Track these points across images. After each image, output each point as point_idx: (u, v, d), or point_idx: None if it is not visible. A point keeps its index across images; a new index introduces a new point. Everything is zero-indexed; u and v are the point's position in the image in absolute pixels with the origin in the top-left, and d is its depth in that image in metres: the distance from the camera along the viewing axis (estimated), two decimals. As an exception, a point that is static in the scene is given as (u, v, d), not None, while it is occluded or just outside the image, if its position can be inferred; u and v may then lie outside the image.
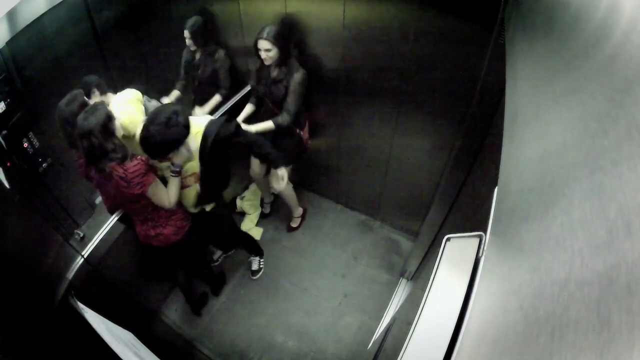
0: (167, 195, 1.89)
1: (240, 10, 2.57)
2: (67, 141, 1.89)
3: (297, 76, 2.35)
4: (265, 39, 2.21)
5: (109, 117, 1.68)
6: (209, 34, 2.69)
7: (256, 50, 2.29)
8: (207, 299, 2.89)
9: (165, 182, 1.93)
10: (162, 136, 1.64)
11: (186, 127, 1.71)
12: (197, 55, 2.76)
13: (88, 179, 1.95)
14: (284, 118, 2.43)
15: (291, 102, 2.39)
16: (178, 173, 1.88)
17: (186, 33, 2.61)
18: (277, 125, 2.44)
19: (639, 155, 0.31)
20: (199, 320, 2.79)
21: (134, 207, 1.93)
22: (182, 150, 1.76)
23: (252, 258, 2.99)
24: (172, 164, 1.85)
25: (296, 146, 2.66)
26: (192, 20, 2.59)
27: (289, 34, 2.37)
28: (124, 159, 1.73)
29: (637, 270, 0.26)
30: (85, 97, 1.90)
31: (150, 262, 2.55)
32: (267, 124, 2.46)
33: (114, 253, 2.21)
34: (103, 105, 1.72)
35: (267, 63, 2.33)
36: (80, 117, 1.65)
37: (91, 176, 1.87)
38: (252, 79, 2.57)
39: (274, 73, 2.39)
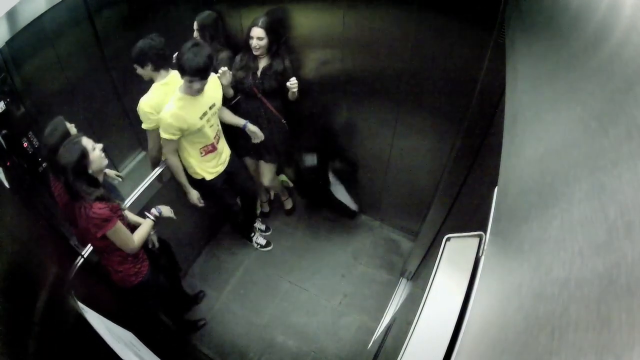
0: (130, 238, 1.85)
1: (241, 16, 2.55)
2: (52, 171, 1.90)
3: (288, 63, 2.37)
4: (260, 26, 2.21)
5: (83, 155, 1.65)
6: (218, 32, 2.60)
7: (247, 38, 2.27)
8: (203, 324, 2.77)
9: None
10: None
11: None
12: None
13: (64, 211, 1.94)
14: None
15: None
16: (157, 219, 1.99)
17: (195, 25, 2.51)
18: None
19: (639, 155, 0.31)
20: (199, 320, 2.79)
21: (90, 240, 1.90)
22: None
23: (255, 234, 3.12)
24: (156, 208, 1.99)
25: (288, 138, 2.69)
26: (205, 14, 2.50)
27: (283, 26, 2.36)
28: (96, 200, 1.70)
29: (637, 270, 0.26)
30: (66, 125, 1.86)
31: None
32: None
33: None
34: (79, 140, 1.68)
35: (256, 52, 2.29)
36: (59, 151, 1.65)
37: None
38: (237, 68, 2.40)
39: (263, 63, 2.36)
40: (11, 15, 1.89)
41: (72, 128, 1.90)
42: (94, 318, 1.75)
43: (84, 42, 2.40)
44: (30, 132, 2.01)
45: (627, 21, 0.45)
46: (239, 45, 2.34)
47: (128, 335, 2.03)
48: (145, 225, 1.95)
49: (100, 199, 1.72)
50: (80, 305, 1.81)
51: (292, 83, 2.34)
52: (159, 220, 2.01)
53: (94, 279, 2.11)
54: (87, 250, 2.03)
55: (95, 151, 1.71)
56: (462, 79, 1.96)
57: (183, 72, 1.97)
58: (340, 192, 3.14)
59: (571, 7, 0.68)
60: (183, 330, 2.72)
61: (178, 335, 2.73)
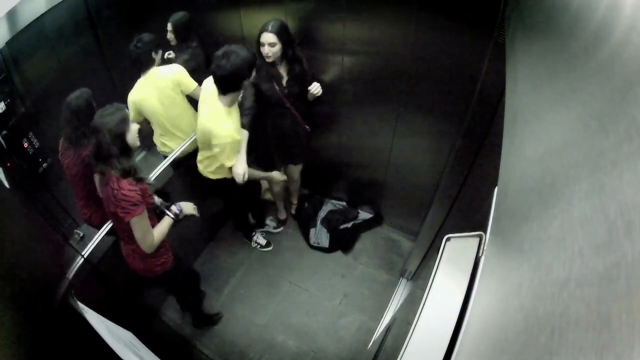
0: (151, 232, 1.79)
1: (242, 19, 2.55)
2: (69, 136, 1.95)
3: (307, 65, 2.31)
4: (270, 31, 2.09)
5: (124, 119, 1.64)
6: (189, 33, 2.60)
7: (258, 45, 2.14)
8: (219, 318, 2.79)
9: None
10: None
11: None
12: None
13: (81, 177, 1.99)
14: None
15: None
16: (177, 217, 1.91)
17: (169, 26, 2.53)
18: None
19: (639, 155, 0.31)
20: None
21: (118, 225, 1.83)
22: None
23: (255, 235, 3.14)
24: (176, 205, 1.92)
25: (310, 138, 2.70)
26: (178, 15, 2.52)
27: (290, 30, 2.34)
28: (124, 174, 1.66)
29: (637, 270, 0.26)
30: (91, 97, 1.96)
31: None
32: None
33: (114, 253, 2.21)
34: (123, 107, 1.69)
35: (268, 60, 2.17)
36: (98, 113, 1.65)
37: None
38: (261, 80, 2.24)
39: (285, 70, 2.27)
40: (11, 15, 1.89)
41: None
42: (94, 318, 1.75)
43: (84, 43, 2.40)
44: (30, 132, 2.01)
45: (627, 21, 0.45)
46: (218, 45, 2.14)
47: (128, 335, 2.03)
48: (165, 224, 1.88)
49: (129, 172, 1.67)
50: (80, 305, 1.81)
51: (316, 88, 2.32)
52: (179, 219, 1.95)
53: (93, 279, 2.11)
54: (87, 250, 2.03)
55: (134, 125, 1.70)
56: (462, 79, 1.96)
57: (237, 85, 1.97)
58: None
59: (571, 7, 0.68)
60: (200, 323, 2.74)
61: (179, 336, 2.73)
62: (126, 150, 1.67)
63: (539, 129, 0.62)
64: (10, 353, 1.32)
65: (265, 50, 2.13)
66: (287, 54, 2.20)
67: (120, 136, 1.64)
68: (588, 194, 0.37)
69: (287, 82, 2.31)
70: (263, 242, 3.13)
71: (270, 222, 3.25)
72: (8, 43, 1.88)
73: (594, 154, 0.39)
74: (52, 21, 2.11)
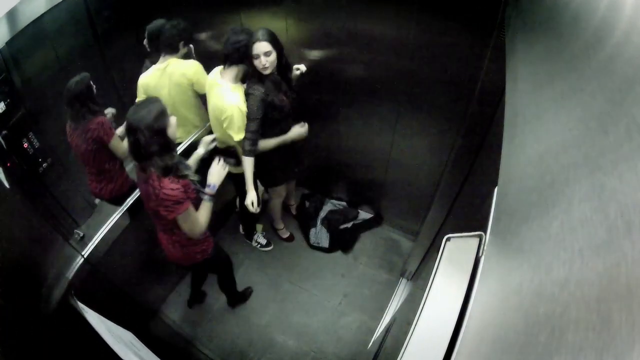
0: (198, 222, 1.74)
1: (241, 19, 2.55)
2: (73, 118, 2.07)
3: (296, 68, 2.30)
4: (263, 40, 1.96)
5: (163, 112, 1.53)
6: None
7: (251, 57, 1.99)
8: (250, 292, 2.90)
9: None
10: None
11: None
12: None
13: (89, 153, 2.11)
14: None
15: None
16: (213, 196, 1.82)
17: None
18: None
19: (639, 155, 0.31)
20: (199, 320, 2.79)
21: (158, 221, 1.81)
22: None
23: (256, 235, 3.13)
24: (208, 185, 1.83)
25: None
26: (154, 25, 2.37)
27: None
28: (166, 172, 1.57)
29: (637, 270, 0.26)
30: (91, 81, 2.05)
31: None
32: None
33: (114, 253, 2.21)
34: (159, 100, 1.58)
35: (267, 72, 2.01)
36: (131, 109, 1.53)
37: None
38: (273, 94, 2.10)
39: (286, 79, 2.19)
40: (11, 15, 1.89)
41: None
42: (94, 318, 1.75)
43: (84, 43, 2.40)
44: (30, 132, 2.01)
45: (627, 21, 0.45)
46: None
47: (128, 335, 2.03)
48: (206, 208, 1.80)
49: (170, 170, 1.57)
50: (80, 305, 1.81)
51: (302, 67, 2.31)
52: (214, 196, 1.86)
53: (93, 279, 2.11)
54: (87, 250, 2.03)
55: (172, 118, 1.59)
56: (462, 79, 1.96)
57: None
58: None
59: (571, 7, 0.68)
60: (235, 302, 2.82)
61: (179, 336, 2.73)
62: (167, 146, 1.56)
63: (539, 129, 0.62)
64: (11, 353, 1.32)
65: (262, 61, 1.98)
66: (282, 62, 2.10)
67: (160, 132, 1.52)
68: (588, 194, 0.37)
69: (293, 91, 2.26)
70: (263, 241, 3.13)
71: (260, 239, 3.14)
72: (8, 43, 1.88)
73: (594, 154, 0.39)
74: (52, 21, 2.11)
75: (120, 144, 2.20)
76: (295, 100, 2.29)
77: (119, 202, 2.25)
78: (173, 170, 1.59)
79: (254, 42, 1.97)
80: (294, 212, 3.31)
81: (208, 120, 2.38)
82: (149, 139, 1.49)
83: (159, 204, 1.59)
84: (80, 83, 2.01)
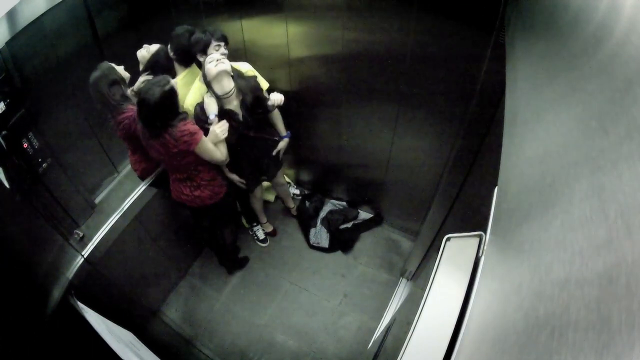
0: (216, 150, 2.02)
1: (242, 27, 2.54)
2: (101, 111, 2.09)
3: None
4: (217, 39, 2.04)
5: (172, 90, 1.81)
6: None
7: (203, 68, 2.03)
8: (246, 261, 3.03)
9: None
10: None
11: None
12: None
13: (126, 139, 2.14)
14: None
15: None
16: (214, 122, 2.02)
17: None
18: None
19: (639, 155, 0.31)
20: (199, 320, 2.79)
21: (179, 164, 2.01)
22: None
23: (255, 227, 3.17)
24: (210, 114, 2.01)
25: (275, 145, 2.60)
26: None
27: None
28: (179, 121, 1.88)
29: (637, 270, 0.26)
30: (114, 72, 2.05)
31: (181, 219, 2.74)
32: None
33: (114, 253, 2.21)
34: (167, 80, 1.83)
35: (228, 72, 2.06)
36: (144, 87, 1.80)
37: (132, 136, 2.03)
38: (221, 106, 2.10)
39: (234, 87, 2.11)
40: (11, 15, 1.89)
41: (122, 71, 2.09)
42: (94, 318, 1.76)
43: (84, 43, 2.40)
44: (30, 132, 2.01)
45: (627, 21, 0.45)
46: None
47: (128, 335, 2.03)
48: (214, 137, 2.01)
49: (183, 120, 1.88)
50: (80, 305, 1.81)
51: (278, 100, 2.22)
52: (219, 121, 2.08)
53: (93, 279, 2.11)
54: (87, 250, 2.03)
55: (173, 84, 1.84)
56: (462, 79, 1.96)
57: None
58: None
59: (571, 7, 0.68)
60: (232, 265, 2.97)
61: (179, 336, 2.73)
62: (176, 110, 1.87)
63: (539, 129, 0.62)
64: (11, 353, 1.33)
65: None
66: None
67: (173, 105, 1.83)
68: (588, 194, 0.37)
69: (243, 100, 2.18)
70: (261, 236, 3.15)
71: (258, 233, 3.18)
72: (8, 43, 1.88)
73: (594, 154, 0.39)
74: (52, 21, 2.11)
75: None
76: (290, 100, 2.36)
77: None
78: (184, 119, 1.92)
79: (207, 44, 2.15)
80: (294, 213, 3.31)
81: None
82: (162, 111, 1.80)
83: (179, 143, 1.87)
84: (103, 80, 2.01)
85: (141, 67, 2.30)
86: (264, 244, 3.17)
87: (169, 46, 2.25)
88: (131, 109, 2.02)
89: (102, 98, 2.00)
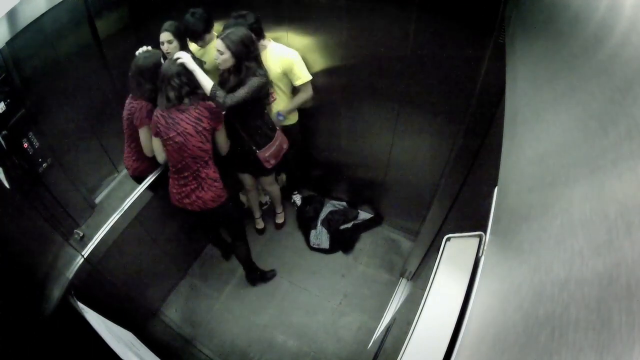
0: (226, 138, 2.19)
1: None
2: (133, 89, 2.09)
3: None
4: (219, 37, 2.00)
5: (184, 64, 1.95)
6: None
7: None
8: (273, 275, 2.99)
9: None
10: None
11: None
12: None
13: (128, 127, 2.14)
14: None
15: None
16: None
17: (168, 35, 2.31)
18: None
19: (639, 155, 0.31)
20: (199, 320, 2.79)
21: (193, 153, 2.02)
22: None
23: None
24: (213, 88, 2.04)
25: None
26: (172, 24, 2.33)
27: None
28: (204, 98, 2.02)
29: (637, 270, 0.26)
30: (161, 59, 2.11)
31: (185, 222, 2.74)
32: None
33: (114, 253, 2.21)
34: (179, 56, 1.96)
35: (222, 67, 2.05)
36: (165, 65, 1.95)
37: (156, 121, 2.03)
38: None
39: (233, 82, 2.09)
40: (11, 15, 1.89)
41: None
42: (94, 318, 1.76)
43: (84, 43, 2.40)
44: (30, 132, 2.01)
45: (627, 21, 0.45)
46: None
47: (128, 335, 2.03)
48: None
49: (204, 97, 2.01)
50: (80, 305, 1.81)
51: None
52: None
53: (93, 279, 2.11)
54: (87, 250, 2.03)
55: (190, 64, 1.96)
56: (462, 79, 1.96)
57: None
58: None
59: (571, 7, 0.68)
60: (252, 275, 2.91)
61: (179, 336, 2.73)
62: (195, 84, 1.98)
63: (539, 129, 0.62)
64: (11, 353, 1.33)
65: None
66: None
67: (192, 74, 1.94)
68: (588, 194, 0.37)
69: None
70: (261, 225, 3.22)
71: (295, 198, 3.35)
72: (8, 43, 1.88)
73: (594, 154, 0.39)
74: (52, 21, 2.11)
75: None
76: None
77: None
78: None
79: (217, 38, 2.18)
80: (277, 220, 3.24)
81: None
82: (188, 79, 1.94)
83: (211, 116, 2.01)
84: (149, 59, 2.04)
85: None
86: (260, 234, 3.19)
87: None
88: (145, 103, 2.06)
89: (141, 78, 2.03)
